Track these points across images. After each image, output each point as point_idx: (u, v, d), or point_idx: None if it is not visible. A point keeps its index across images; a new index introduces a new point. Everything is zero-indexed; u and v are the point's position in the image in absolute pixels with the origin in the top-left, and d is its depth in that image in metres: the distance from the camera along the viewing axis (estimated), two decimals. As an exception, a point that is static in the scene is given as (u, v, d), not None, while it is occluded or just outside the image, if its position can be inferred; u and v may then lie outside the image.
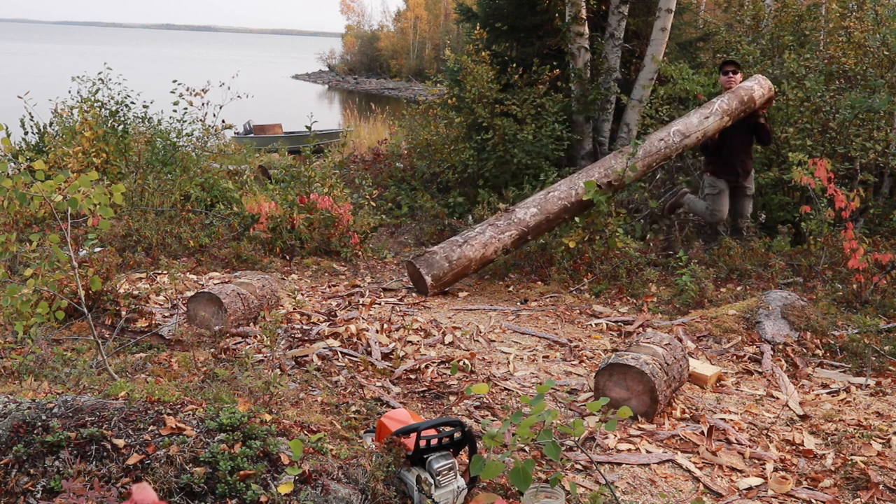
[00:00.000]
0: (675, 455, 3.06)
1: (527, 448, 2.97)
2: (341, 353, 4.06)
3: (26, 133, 9.23)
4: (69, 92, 8.90)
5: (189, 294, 4.94)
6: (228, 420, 2.26)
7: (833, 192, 5.11)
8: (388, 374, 3.84)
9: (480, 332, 4.53)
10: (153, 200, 7.49)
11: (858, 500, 2.79)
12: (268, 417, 2.45)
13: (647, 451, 3.08)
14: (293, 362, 3.92)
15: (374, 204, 7.88)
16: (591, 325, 4.77)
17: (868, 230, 6.48)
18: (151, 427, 2.21)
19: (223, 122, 9.58)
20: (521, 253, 6.16)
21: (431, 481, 2.35)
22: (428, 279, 5.38)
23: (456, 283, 5.66)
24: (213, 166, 8.57)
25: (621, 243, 5.70)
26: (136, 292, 4.78)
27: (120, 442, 2.12)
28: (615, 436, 3.19)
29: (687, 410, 3.50)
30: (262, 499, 2.03)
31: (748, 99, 6.32)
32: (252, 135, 17.88)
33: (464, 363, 3.96)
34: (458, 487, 2.41)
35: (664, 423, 3.35)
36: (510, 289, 5.68)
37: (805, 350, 4.29)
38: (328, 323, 4.54)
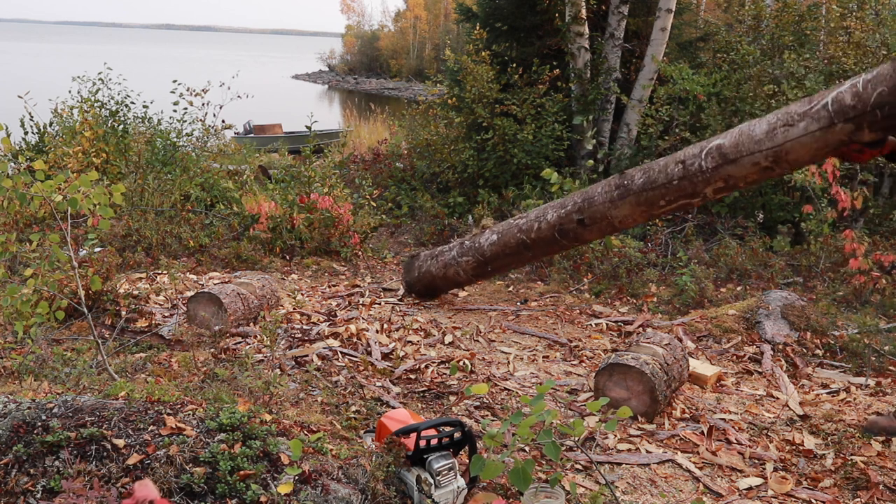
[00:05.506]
0: (675, 455, 3.06)
1: (527, 448, 2.97)
2: (341, 353, 4.05)
3: (26, 133, 9.22)
4: (69, 92, 8.89)
5: (189, 294, 4.93)
6: (228, 420, 2.26)
7: (836, 191, 5.10)
8: (388, 374, 3.84)
9: (480, 332, 4.53)
10: (153, 200, 7.49)
11: (858, 500, 2.79)
12: (268, 417, 2.45)
13: (647, 451, 3.08)
14: (293, 362, 3.92)
15: (374, 204, 7.88)
16: (591, 325, 4.77)
17: (868, 230, 6.48)
18: (151, 427, 2.21)
19: (223, 122, 9.59)
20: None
21: (431, 481, 2.35)
22: (403, 283, 5.40)
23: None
24: (213, 166, 8.57)
25: (619, 243, 5.69)
26: (136, 292, 4.78)
27: (120, 442, 2.12)
28: (615, 436, 3.19)
29: (687, 410, 3.50)
30: (262, 499, 2.03)
31: None
32: (252, 135, 17.87)
33: (464, 363, 3.96)
34: (458, 487, 2.41)
35: (664, 423, 3.35)
36: (510, 289, 5.68)
37: (805, 350, 4.29)
38: (328, 323, 4.54)
